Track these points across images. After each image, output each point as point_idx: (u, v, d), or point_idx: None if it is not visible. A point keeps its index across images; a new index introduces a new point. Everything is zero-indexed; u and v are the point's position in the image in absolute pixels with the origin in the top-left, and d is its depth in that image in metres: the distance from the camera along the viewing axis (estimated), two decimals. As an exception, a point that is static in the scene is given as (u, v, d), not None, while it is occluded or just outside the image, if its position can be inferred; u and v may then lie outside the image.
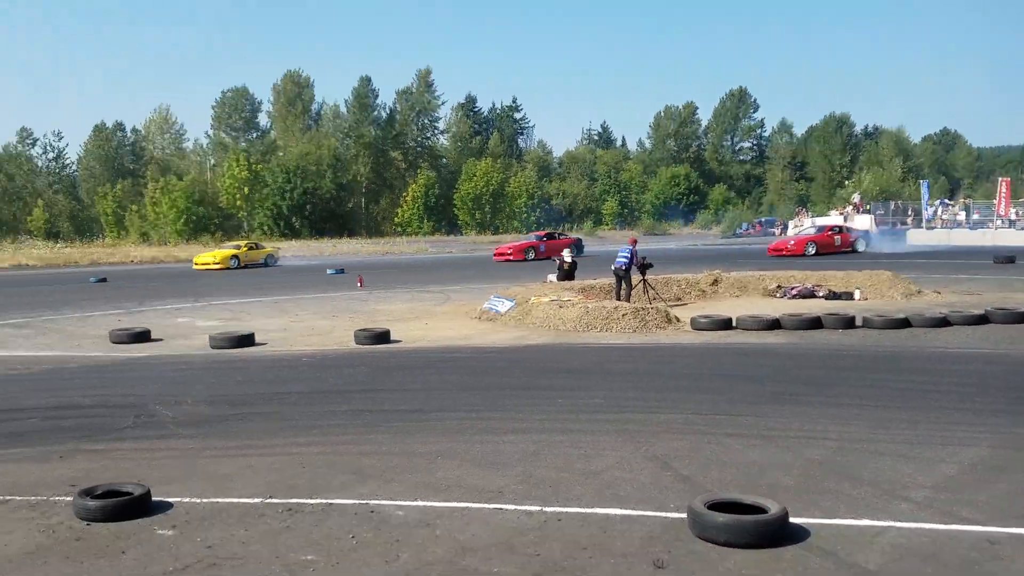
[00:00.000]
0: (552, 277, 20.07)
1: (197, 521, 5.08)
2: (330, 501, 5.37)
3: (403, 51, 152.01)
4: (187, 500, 5.45)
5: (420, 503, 5.30)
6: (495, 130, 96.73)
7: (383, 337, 12.57)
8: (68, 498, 5.42)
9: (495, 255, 37.25)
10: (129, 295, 22.97)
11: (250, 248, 39.86)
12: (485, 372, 10.23)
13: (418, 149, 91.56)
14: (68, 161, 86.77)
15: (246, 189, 75.04)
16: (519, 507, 5.18)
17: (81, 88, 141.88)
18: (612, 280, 16.95)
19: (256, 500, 5.42)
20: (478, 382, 9.51)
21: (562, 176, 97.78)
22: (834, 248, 33.07)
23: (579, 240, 39.75)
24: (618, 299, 15.91)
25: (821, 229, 35.32)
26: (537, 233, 41.73)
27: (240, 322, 15.80)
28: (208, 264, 36.97)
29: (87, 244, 65.72)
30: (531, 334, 13.35)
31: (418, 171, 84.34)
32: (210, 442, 7.02)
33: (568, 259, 20.40)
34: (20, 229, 75.48)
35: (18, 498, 5.57)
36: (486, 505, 5.23)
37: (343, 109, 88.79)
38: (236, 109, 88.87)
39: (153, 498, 5.34)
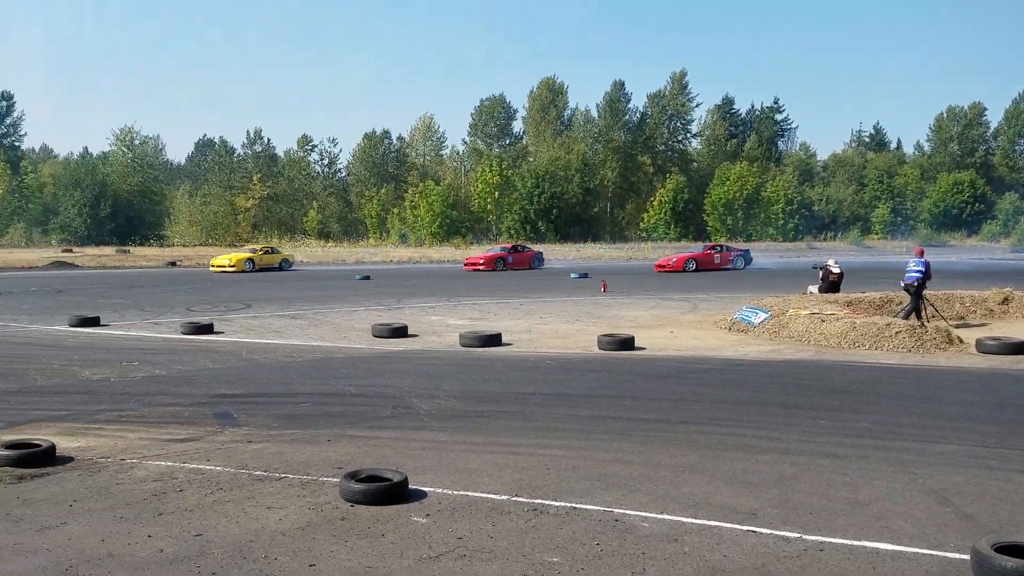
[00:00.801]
0: (813, 288, 18.75)
1: (449, 512, 5.21)
2: (574, 505, 5.32)
3: (658, 54, 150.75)
4: (439, 491, 5.62)
5: (667, 517, 5.11)
6: (753, 132, 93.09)
7: (627, 343, 12.44)
8: (334, 479, 5.78)
9: (465, 264, 39.56)
10: (389, 292, 24.57)
11: (265, 252, 41.08)
12: (736, 385, 9.77)
13: (668, 153, 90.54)
14: (339, 166, 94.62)
15: (496, 194, 78.08)
16: (775, 532, 4.84)
17: (354, 97, 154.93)
18: (882, 294, 15.69)
19: (503, 497, 5.49)
20: (728, 395, 9.10)
21: (826, 181, 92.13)
22: (714, 265, 35.13)
23: (540, 253, 41.78)
24: (918, 317, 14.52)
25: (704, 247, 37.64)
26: (504, 245, 45.80)
27: (488, 322, 16.33)
28: (224, 267, 38.09)
29: (353, 244, 71.54)
30: (787, 348, 12.66)
31: (667, 175, 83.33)
32: (460, 436, 7.24)
33: (836, 270, 18.82)
34: (296, 228, 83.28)
35: (291, 476, 6.01)
36: (738, 526, 4.93)
37: (594, 114, 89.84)
38: (492, 117, 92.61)
39: (409, 486, 5.56)
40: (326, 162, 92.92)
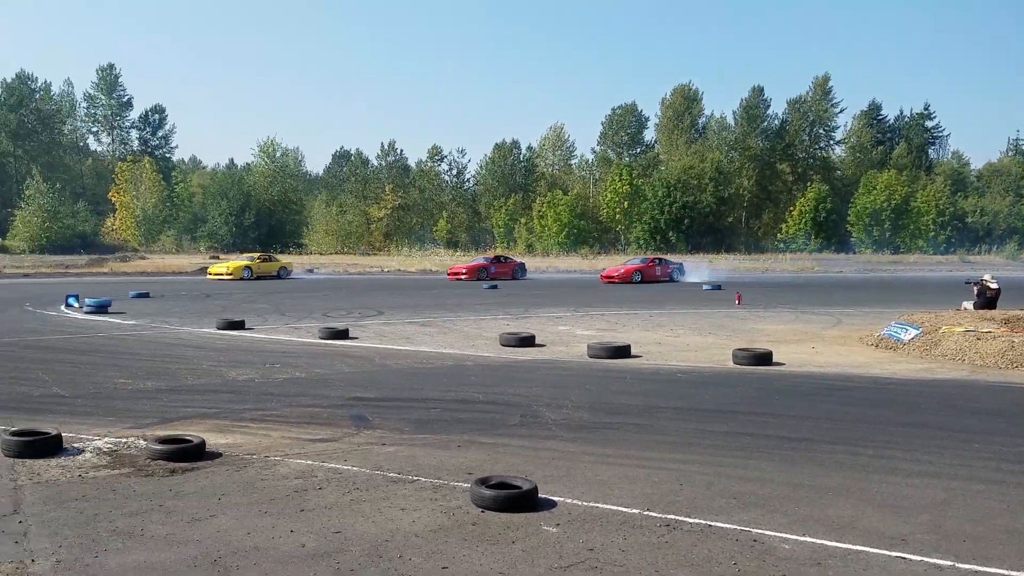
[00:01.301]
0: (968, 304, 17.58)
1: (579, 522, 5.16)
2: (710, 523, 5.16)
3: (800, 59, 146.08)
4: (569, 501, 5.57)
5: (809, 539, 4.88)
6: (902, 139, 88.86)
7: (764, 358, 12.02)
8: (464, 484, 5.83)
9: (449, 274, 40.38)
10: (516, 302, 24.75)
11: (263, 260, 40.92)
12: (883, 405, 9.28)
13: (809, 160, 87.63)
14: (467, 176, 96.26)
15: (626, 203, 77.57)
16: (926, 559, 4.56)
17: (485, 107, 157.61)
18: None
19: (634, 510, 5.39)
20: (875, 415, 8.65)
21: (980, 191, 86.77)
22: (655, 277, 37.12)
23: (522, 264, 42.50)
24: None
25: (645, 260, 39.74)
26: (486, 255, 46.92)
27: (616, 333, 16.17)
28: (221, 275, 38.07)
29: (480, 253, 72.56)
30: (939, 367, 11.96)
31: (808, 184, 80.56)
32: (589, 447, 7.17)
33: (993, 285, 17.53)
34: (426, 238, 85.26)
35: (423, 480, 6.10)
36: (887, 552, 4.67)
37: (731, 121, 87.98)
38: (623, 126, 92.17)
39: (539, 495, 5.54)
40: (455, 172, 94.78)
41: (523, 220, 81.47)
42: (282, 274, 40.54)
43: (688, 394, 9.91)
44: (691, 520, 5.21)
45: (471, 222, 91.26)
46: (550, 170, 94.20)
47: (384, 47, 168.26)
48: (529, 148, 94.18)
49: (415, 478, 6.14)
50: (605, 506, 5.48)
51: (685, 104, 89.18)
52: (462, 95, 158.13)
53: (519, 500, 5.36)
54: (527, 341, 14.19)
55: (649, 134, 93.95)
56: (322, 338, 14.99)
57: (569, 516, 5.28)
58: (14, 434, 6.83)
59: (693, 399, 9.56)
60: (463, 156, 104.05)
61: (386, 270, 50.94)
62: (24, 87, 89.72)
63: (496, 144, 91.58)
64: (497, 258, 42.56)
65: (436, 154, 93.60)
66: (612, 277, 36.78)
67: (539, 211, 79.30)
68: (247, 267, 38.56)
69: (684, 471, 6.37)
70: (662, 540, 4.86)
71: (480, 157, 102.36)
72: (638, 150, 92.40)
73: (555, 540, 4.85)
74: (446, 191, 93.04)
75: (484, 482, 5.57)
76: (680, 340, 15.17)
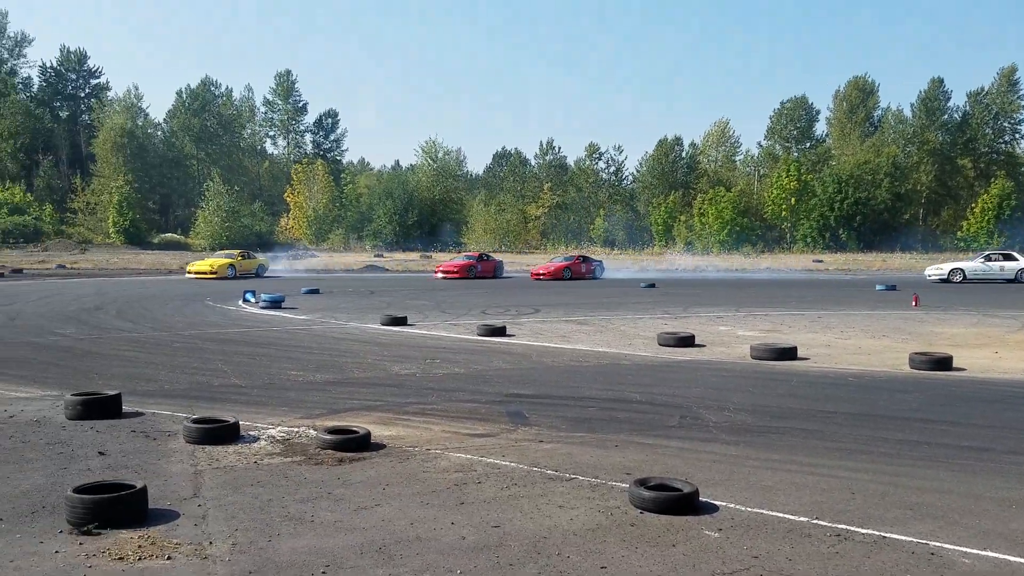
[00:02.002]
0: None
1: (742, 528, 5.00)
2: (883, 534, 4.89)
3: (983, 49, 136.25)
4: (732, 506, 5.42)
5: (991, 554, 4.56)
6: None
7: (944, 363, 11.23)
8: (622, 485, 5.78)
9: (436, 271, 40.86)
10: (674, 301, 24.32)
11: (244, 258, 40.41)
12: (1078, 415, 8.50)
13: (992, 155, 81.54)
14: (626, 174, 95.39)
15: (793, 200, 74.64)
16: None
17: (642, 104, 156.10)
18: None
19: (802, 518, 5.17)
20: (1068, 426, 7.93)
21: None
22: (581, 275, 38.59)
23: (500, 262, 43.25)
24: None
25: (570, 258, 40.90)
26: (469, 254, 47.57)
27: (780, 334, 15.58)
28: (203, 273, 36.90)
29: (638, 252, 71.78)
30: None
31: (991, 180, 74.88)
32: (752, 451, 6.94)
33: None
34: (583, 236, 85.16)
35: (581, 478, 6.09)
36: (1082, 575, 4.27)
37: (908, 114, 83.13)
38: (792, 120, 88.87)
39: (700, 498, 5.42)
40: (612, 170, 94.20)
41: (682, 218, 79.92)
42: (259, 271, 40.45)
43: (860, 399, 9.40)
44: (863, 530, 4.96)
45: (629, 220, 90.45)
46: (713, 166, 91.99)
47: (544, 48, 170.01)
48: (692, 144, 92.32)
49: (572, 476, 6.13)
50: (770, 513, 5.29)
51: (860, 97, 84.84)
52: (621, 92, 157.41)
53: (680, 502, 5.26)
54: (686, 341, 13.90)
55: (820, 128, 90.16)
56: (480, 335, 15.26)
57: (732, 521, 5.13)
58: (195, 422, 7.34)
59: (865, 404, 9.06)
60: (620, 153, 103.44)
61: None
62: (207, 93, 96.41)
63: (658, 141, 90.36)
64: (481, 256, 43.61)
65: (594, 152, 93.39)
66: (541, 275, 37.75)
67: (699, 208, 77.54)
68: (231, 265, 38.13)
69: (856, 479, 6.06)
70: (832, 550, 4.64)
71: (639, 154, 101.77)
72: (807, 145, 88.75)
73: (717, 545, 4.73)
74: (603, 189, 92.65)
75: (643, 483, 5.50)
76: (851, 343, 14.42)
